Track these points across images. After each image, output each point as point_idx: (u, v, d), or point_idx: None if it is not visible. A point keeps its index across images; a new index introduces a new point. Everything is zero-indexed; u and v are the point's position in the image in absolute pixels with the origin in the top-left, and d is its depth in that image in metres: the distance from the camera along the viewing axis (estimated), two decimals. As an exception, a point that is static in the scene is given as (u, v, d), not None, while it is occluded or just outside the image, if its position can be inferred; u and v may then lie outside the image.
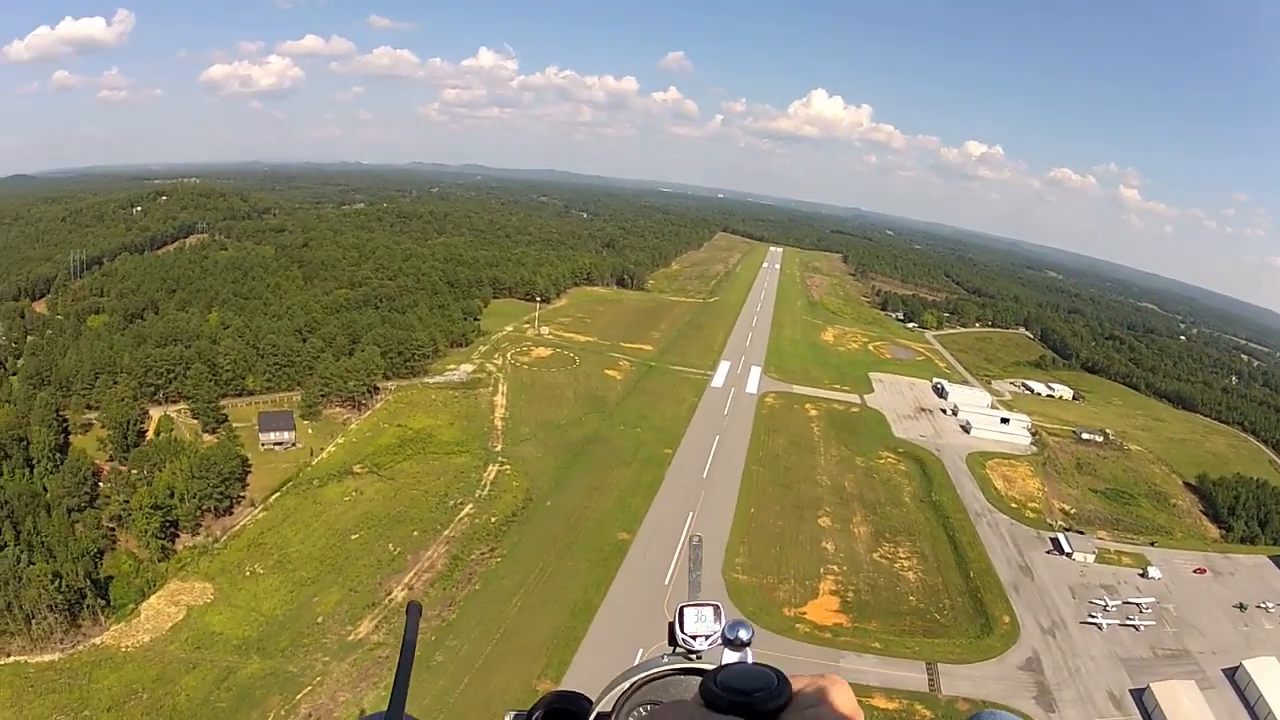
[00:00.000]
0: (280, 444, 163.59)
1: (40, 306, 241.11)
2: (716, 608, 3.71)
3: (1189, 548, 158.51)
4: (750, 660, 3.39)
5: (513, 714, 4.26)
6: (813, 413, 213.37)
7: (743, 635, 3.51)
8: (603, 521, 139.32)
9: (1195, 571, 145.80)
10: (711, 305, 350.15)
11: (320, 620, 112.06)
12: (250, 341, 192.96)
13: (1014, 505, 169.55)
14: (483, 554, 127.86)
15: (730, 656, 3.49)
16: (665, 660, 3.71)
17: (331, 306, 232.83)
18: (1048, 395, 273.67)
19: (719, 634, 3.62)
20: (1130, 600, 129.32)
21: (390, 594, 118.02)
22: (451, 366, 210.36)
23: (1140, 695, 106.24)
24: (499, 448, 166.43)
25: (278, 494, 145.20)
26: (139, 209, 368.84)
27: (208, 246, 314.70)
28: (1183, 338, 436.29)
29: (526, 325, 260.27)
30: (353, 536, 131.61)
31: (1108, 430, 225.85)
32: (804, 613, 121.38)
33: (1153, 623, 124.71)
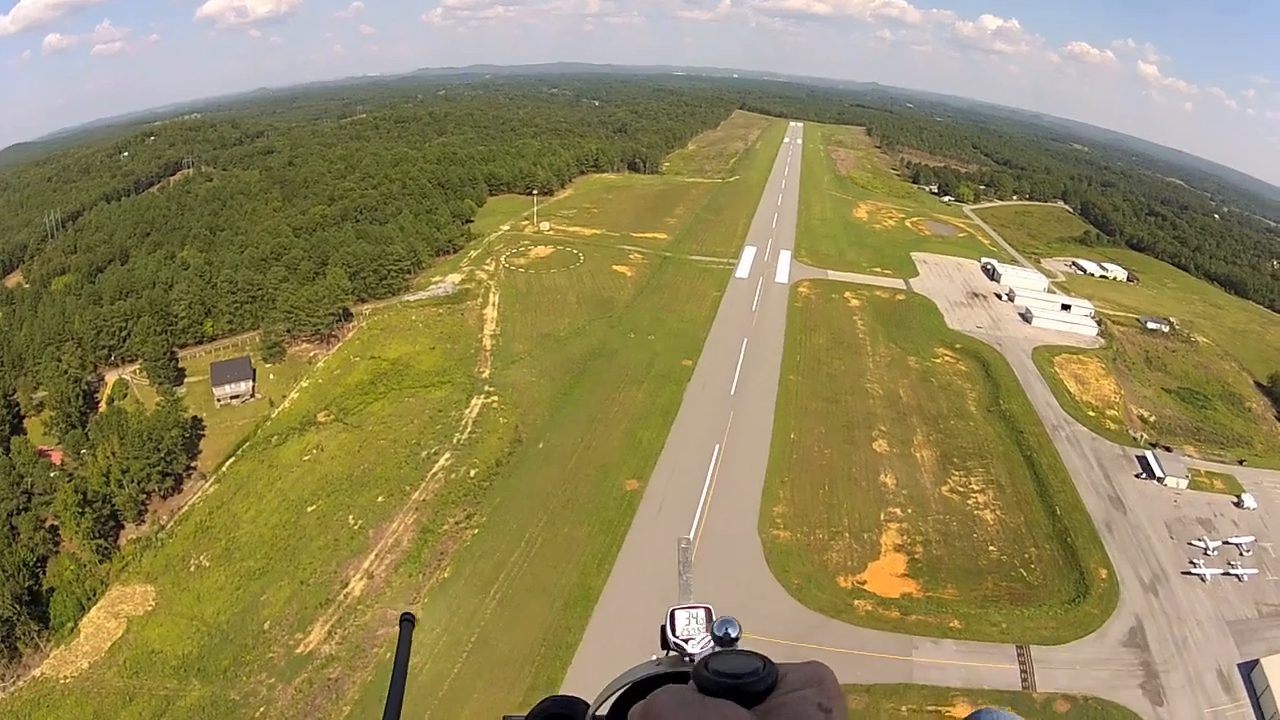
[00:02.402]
0: (237, 397, 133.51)
1: (16, 278, 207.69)
2: (708, 610, 3.62)
3: (1276, 466, 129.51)
4: None
5: None
6: (854, 303, 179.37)
7: (731, 633, 3.40)
8: (607, 466, 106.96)
9: None
10: (732, 185, 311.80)
11: (267, 627, 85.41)
12: (209, 280, 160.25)
13: (1092, 413, 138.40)
14: (458, 523, 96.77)
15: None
16: (659, 663, 3.52)
17: (304, 227, 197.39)
18: (1101, 276, 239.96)
19: (709, 635, 3.51)
20: (1230, 540, 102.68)
21: (346, 586, 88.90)
22: (437, 279, 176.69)
23: (1249, 672, 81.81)
24: (486, 373, 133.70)
25: (231, 460, 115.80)
26: (126, 154, 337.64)
27: (191, 181, 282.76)
28: (1216, 216, 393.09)
29: (525, 222, 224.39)
30: (309, 509, 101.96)
31: (1172, 319, 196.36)
32: (864, 581, 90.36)
33: (1255, 570, 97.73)
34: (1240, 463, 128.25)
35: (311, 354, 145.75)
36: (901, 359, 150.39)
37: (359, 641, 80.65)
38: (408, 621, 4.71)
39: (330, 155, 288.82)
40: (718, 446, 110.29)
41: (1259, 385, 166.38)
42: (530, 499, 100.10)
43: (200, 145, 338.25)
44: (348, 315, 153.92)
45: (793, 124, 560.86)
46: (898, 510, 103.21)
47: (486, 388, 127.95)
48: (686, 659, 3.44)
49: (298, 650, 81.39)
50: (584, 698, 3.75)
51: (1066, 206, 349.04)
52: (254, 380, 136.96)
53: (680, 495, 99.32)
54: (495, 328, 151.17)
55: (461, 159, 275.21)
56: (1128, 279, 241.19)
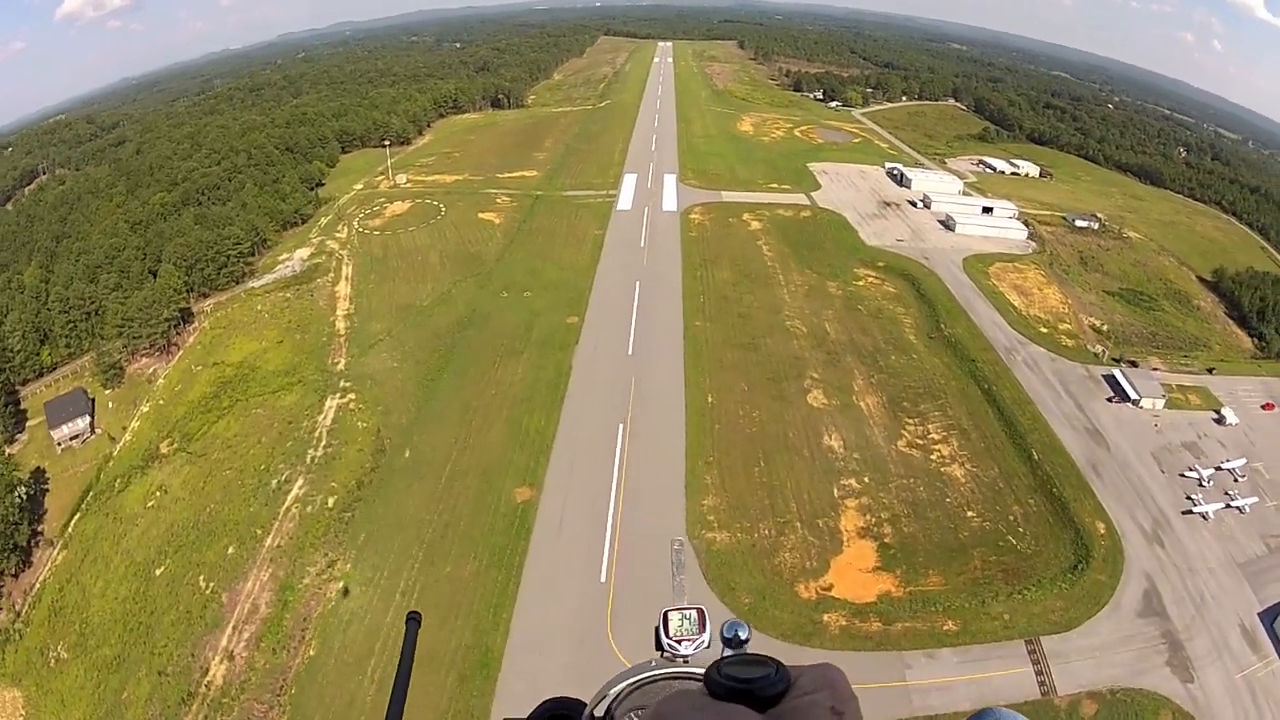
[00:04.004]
0: (77, 437, 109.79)
1: None
2: (701, 611, 3.90)
3: (1244, 371, 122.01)
4: None
5: None
6: (755, 225, 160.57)
7: (741, 634, 3.53)
8: (490, 471, 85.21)
9: (1264, 408, 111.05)
10: (603, 110, 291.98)
11: (133, 736, 67.03)
12: (43, 300, 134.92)
13: (1044, 329, 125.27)
14: (319, 574, 75.25)
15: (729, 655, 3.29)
16: (654, 664, 3.65)
17: (143, 220, 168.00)
18: (1013, 174, 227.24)
19: (704, 638, 3.77)
20: (1222, 466, 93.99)
21: (207, 674, 68.87)
22: (284, 257, 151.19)
23: (1271, 621, 73.84)
24: (341, 364, 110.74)
25: (76, 518, 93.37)
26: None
27: (44, 188, 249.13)
28: (1110, 106, 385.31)
29: (380, 177, 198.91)
30: (158, 571, 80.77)
31: (1099, 215, 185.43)
32: (829, 586, 72.18)
33: (1254, 499, 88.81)
34: (1210, 371, 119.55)
35: (152, 370, 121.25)
36: (820, 286, 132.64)
37: (229, 750, 61.84)
38: (414, 620, 4.63)
39: (177, 135, 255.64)
40: (621, 426, 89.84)
41: (1202, 281, 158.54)
42: (401, 531, 78.48)
43: (56, 148, 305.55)
44: (188, 316, 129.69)
45: (661, 44, 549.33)
46: (853, 481, 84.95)
47: (342, 383, 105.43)
48: (680, 660, 3.60)
49: (168, 767, 62.78)
50: (583, 699, 3.66)
51: (959, 104, 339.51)
52: (92, 414, 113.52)
53: (584, 500, 78.84)
54: (349, 306, 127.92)
55: (311, 118, 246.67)
56: (1040, 174, 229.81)
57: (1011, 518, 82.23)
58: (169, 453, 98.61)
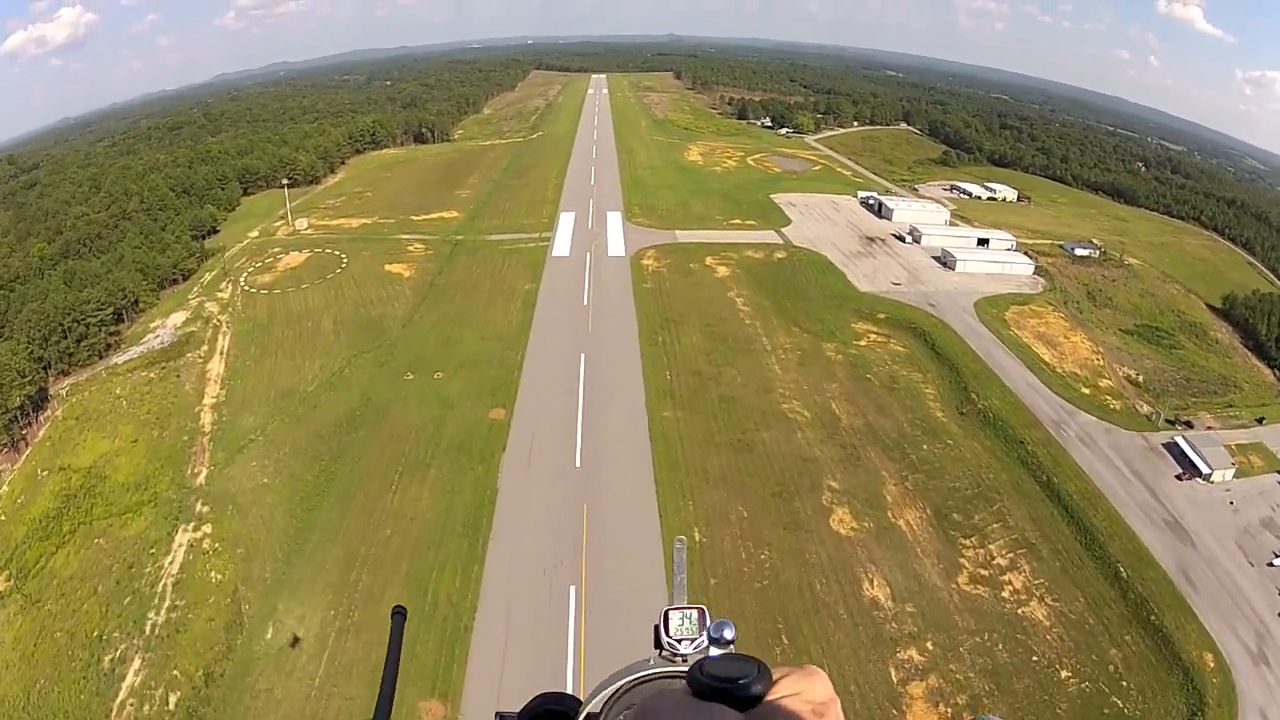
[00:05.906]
0: None
1: None
2: (702, 611, 3.60)
3: None
4: None
5: (500, 715, 3.91)
6: (722, 271, 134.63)
7: (727, 634, 3.42)
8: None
9: None
10: (535, 142, 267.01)
11: None
12: None
13: (1085, 390, 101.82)
14: None
15: (715, 654, 3.34)
16: (652, 663, 3.47)
17: (19, 276, 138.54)
18: (990, 198, 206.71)
19: (704, 638, 3.51)
20: None
21: None
22: (157, 323, 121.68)
23: None
24: (201, 477, 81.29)
25: None
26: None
27: None
28: (1056, 125, 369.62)
29: (280, 222, 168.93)
30: None
31: (1095, 241, 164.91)
32: None
33: None
34: (1260, 421, 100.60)
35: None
36: (815, 350, 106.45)
37: None
38: (399, 614, 4.70)
39: (79, 176, 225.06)
40: (574, 589, 61.00)
41: (1212, 309, 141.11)
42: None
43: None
44: (43, 400, 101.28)
45: (595, 76, 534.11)
46: (913, 652, 58.38)
47: (199, 507, 76.27)
48: (680, 659, 3.40)
49: None
50: (578, 695, 3.63)
51: (912, 128, 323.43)
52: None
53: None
54: (220, 391, 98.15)
55: (215, 156, 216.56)
56: (1019, 199, 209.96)
57: (1111, 668, 59.46)
58: (5, 591, 71.49)
